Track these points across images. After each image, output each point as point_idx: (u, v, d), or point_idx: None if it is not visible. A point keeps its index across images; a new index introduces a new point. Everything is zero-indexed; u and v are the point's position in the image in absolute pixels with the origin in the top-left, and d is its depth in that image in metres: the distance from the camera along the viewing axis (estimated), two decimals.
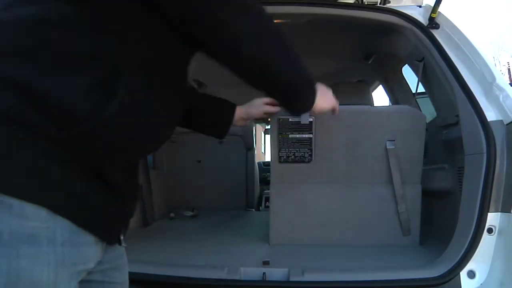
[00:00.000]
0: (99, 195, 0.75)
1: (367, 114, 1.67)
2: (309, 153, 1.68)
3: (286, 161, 1.68)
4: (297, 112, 1.10)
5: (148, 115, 0.79)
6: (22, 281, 0.67)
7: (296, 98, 1.02)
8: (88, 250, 0.75)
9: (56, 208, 0.69)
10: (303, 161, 1.68)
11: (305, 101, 1.04)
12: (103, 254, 0.80)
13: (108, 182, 0.76)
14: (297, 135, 1.67)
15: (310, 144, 1.67)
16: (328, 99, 1.24)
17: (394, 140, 1.65)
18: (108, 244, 0.82)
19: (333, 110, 1.30)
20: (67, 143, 0.69)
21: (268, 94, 1.02)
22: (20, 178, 0.66)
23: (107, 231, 0.79)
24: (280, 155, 1.68)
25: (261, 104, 1.41)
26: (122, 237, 0.86)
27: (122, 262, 0.92)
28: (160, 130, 0.85)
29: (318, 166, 1.68)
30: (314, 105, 1.07)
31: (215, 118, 1.27)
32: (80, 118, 0.69)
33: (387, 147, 1.65)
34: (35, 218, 0.67)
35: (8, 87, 0.67)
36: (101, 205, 0.76)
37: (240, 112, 1.34)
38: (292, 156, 1.69)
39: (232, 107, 1.30)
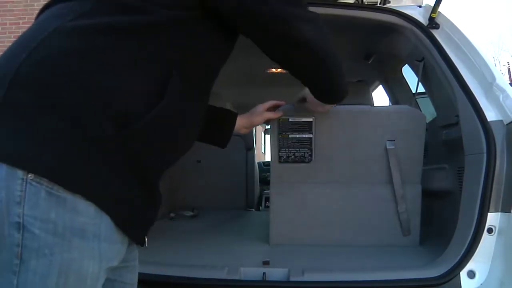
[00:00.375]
0: (138, 197, 0.80)
1: (367, 114, 1.68)
2: (309, 153, 1.68)
3: (286, 161, 1.68)
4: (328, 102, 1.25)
5: (185, 118, 0.86)
6: (72, 272, 0.70)
7: (335, 98, 1.18)
8: (120, 248, 0.80)
9: (104, 205, 0.73)
10: (303, 161, 1.68)
11: (338, 99, 1.18)
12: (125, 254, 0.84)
13: (147, 185, 0.82)
14: (297, 135, 1.67)
15: (310, 144, 1.67)
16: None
17: (394, 140, 1.65)
18: (138, 244, 0.87)
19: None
20: (119, 143, 0.74)
21: (313, 86, 1.13)
22: (77, 175, 0.71)
23: (139, 232, 0.85)
24: (280, 155, 1.68)
25: (262, 111, 1.46)
26: (146, 239, 0.90)
27: (135, 264, 0.96)
28: (193, 133, 0.93)
29: (318, 166, 1.68)
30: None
31: (216, 128, 1.29)
32: (132, 118, 0.74)
33: (387, 147, 1.64)
34: (85, 213, 0.71)
35: (73, 86, 0.72)
36: (139, 206, 0.81)
37: (241, 121, 1.39)
38: (292, 156, 1.68)
39: (233, 117, 1.33)
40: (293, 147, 1.68)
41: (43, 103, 0.71)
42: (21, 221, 0.67)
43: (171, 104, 0.79)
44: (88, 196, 0.71)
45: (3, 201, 0.67)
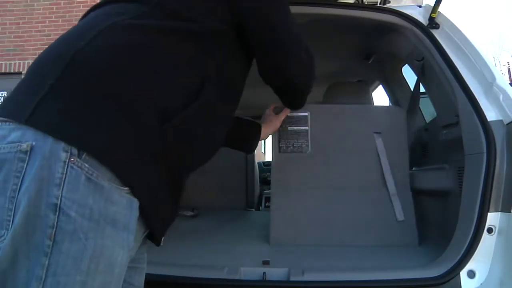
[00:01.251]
0: (168, 192, 0.84)
1: (355, 110, 1.91)
2: (306, 143, 1.84)
3: (285, 151, 1.83)
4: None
5: (216, 119, 0.95)
6: (103, 258, 0.72)
7: (302, 103, 1.36)
8: (136, 244, 0.82)
9: (140, 197, 0.76)
10: (301, 151, 1.83)
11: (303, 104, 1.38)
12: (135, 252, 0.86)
13: (176, 181, 0.86)
14: (295, 128, 1.85)
15: (307, 135, 1.84)
16: None
17: (380, 133, 1.85)
18: (155, 242, 0.89)
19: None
20: (160, 136, 0.78)
21: (285, 97, 1.30)
22: (121, 162, 0.74)
23: (162, 227, 0.87)
24: (280, 145, 1.83)
25: (275, 115, 1.67)
26: (163, 238, 0.92)
27: (144, 267, 0.97)
28: (220, 135, 1.01)
29: (315, 157, 1.82)
30: None
31: (245, 137, 1.47)
32: (172, 114, 0.80)
33: (375, 138, 1.84)
34: (118, 203, 0.73)
35: (126, 77, 0.77)
36: (167, 201, 0.85)
37: (266, 129, 1.58)
38: (291, 147, 1.85)
39: (258, 127, 1.51)
40: (292, 138, 1.85)
41: (95, 88, 0.75)
42: (58, 203, 0.68)
43: (204, 105, 0.86)
44: (127, 184, 0.74)
45: (44, 180, 0.68)
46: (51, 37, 6.49)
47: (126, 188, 0.74)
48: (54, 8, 6.56)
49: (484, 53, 1.47)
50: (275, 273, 1.23)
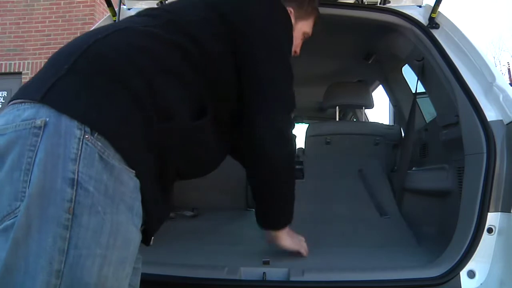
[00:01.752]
0: (160, 191, 0.88)
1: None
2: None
3: None
4: (264, 224, 1.28)
5: (216, 138, 1.02)
6: (120, 233, 0.75)
7: (274, 213, 1.25)
8: None
9: (141, 183, 0.80)
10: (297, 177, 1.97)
11: (277, 222, 1.27)
12: None
13: (166, 184, 0.91)
14: None
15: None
16: (296, 242, 1.36)
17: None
18: (146, 241, 0.92)
19: (299, 252, 1.39)
20: (161, 134, 0.84)
21: (257, 194, 1.23)
22: (129, 144, 0.78)
23: (155, 224, 0.90)
24: None
25: None
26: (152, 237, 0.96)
27: (139, 267, 0.99)
28: (215, 155, 1.09)
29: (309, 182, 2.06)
30: (283, 240, 1.30)
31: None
32: (175, 119, 0.87)
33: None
34: (126, 185, 0.77)
35: (139, 73, 0.84)
36: (159, 198, 0.88)
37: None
38: None
39: None
40: None
41: (106, 75, 0.80)
42: (75, 177, 0.70)
43: (208, 123, 0.95)
44: (133, 167, 0.78)
45: (60, 155, 0.70)
46: (51, 37, 6.49)
47: (133, 171, 0.78)
48: (54, 8, 6.55)
49: (484, 53, 1.47)
50: (275, 273, 1.23)
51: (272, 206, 1.22)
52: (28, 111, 0.74)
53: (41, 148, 0.70)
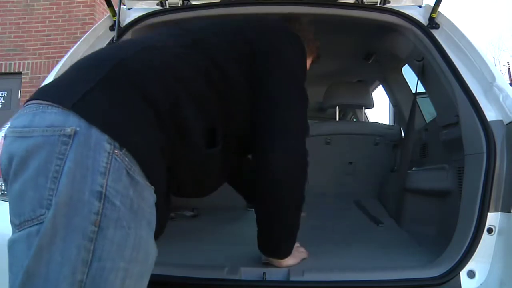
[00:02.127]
0: (167, 208, 0.93)
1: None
2: None
3: None
4: (272, 254, 1.24)
5: (221, 166, 1.04)
6: (142, 248, 0.77)
7: (284, 243, 1.22)
8: None
9: (157, 199, 0.81)
10: None
11: (286, 251, 1.24)
12: None
13: (169, 199, 0.95)
14: None
15: None
16: (297, 255, 1.32)
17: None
18: None
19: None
20: (175, 155, 0.87)
21: (266, 223, 1.19)
22: (153, 164, 0.81)
23: (158, 235, 0.91)
24: None
25: None
26: None
27: None
28: (220, 178, 1.14)
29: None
30: (286, 262, 1.25)
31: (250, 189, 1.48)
32: (191, 144, 0.90)
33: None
34: (147, 201, 0.78)
35: (165, 90, 0.86)
36: (166, 215, 0.93)
37: None
38: None
39: None
40: None
41: (137, 93, 0.81)
42: (103, 191, 0.71)
43: (216, 153, 0.97)
44: (154, 185, 0.80)
45: (89, 167, 0.71)
46: (51, 37, 6.49)
47: (153, 187, 0.79)
48: (54, 8, 6.55)
49: (484, 53, 1.47)
50: (275, 273, 1.23)
51: (283, 236, 1.20)
52: (55, 116, 0.74)
53: (70, 158, 0.71)
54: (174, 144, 0.86)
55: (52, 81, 0.87)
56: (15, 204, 0.73)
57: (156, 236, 0.91)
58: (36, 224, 0.69)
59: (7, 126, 1.35)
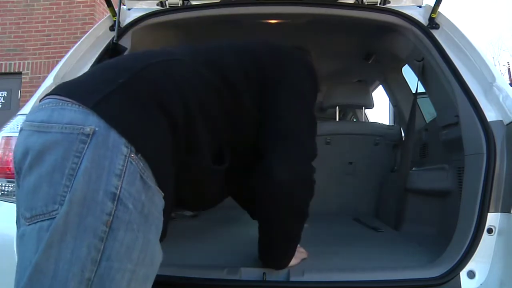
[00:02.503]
0: (170, 216, 0.93)
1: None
2: None
3: None
4: (274, 266, 1.24)
5: (224, 183, 1.07)
6: (149, 252, 0.78)
7: (287, 256, 1.23)
8: None
9: (165, 205, 0.83)
10: None
11: (287, 262, 1.24)
12: None
13: (172, 209, 0.94)
14: None
15: None
16: (297, 256, 1.31)
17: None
18: None
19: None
20: (183, 167, 0.89)
21: (267, 237, 1.21)
22: (165, 171, 0.83)
23: (161, 239, 0.91)
24: None
25: None
26: None
27: None
28: (221, 195, 1.17)
29: None
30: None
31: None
32: (199, 158, 0.93)
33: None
34: (157, 206, 0.79)
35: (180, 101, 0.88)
36: (168, 222, 0.91)
37: None
38: None
39: None
40: None
41: (156, 100, 0.82)
42: (117, 192, 0.72)
43: (221, 171, 1.00)
44: (163, 190, 0.81)
45: (106, 168, 0.72)
46: (51, 37, 6.49)
47: (163, 194, 0.81)
48: (54, 8, 6.55)
49: (484, 53, 1.47)
50: (275, 273, 1.23)
51: (286, 250, 1.22)
52: (75, 114, 0.75)
53: (88, 157, 0.71)
54: (183, 156, 0.88)
55: (73, 79, 0.89)
56: (28, 197, 0.73)
57: (160, 241, 0.92)
58: (48, 219, 0.70)
59: (12, 123, 1.35)
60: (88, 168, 0.71)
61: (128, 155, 0.74)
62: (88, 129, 0.73)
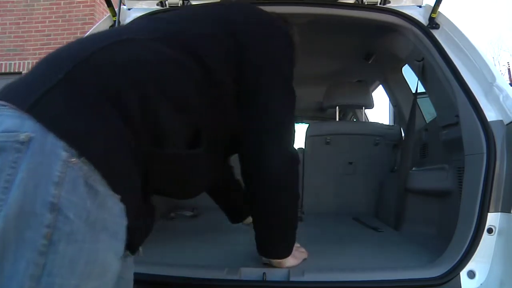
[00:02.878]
0: (147, 212, 0.87)
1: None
2: None
3: None
4: (273, 256, 1.23)
5: (207, 167, 0.98)
6: (98, 263, 0.71)
7: (285, 243, 1.20)
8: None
9: (126, 207, 0.75)
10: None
11: (287, 251, 1.22)
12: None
13: (149, 203, 0.89)
14: None
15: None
16: (297, 256, 1.31)
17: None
18: (132, 252, 0.88)
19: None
20: (150, 159, 0.81)
21: (260, 224, 1.19)
22: (116, 170, 0.74)
23: (140, 238, 0.88)
24: None
25: None
26: (141, 249, 0.92)
27: (130, 277, 0.97)
28: (208, 180, 1.07)
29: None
30: (287, 263, 1.25)
31: (236, 207, 1.56)
32: (168, 146, 0.84)
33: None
34: (111, 210, 0.73)
35: (134, 90, 0.79)
36: (143, 221, 0.86)
37: None
38: None
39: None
40: None
41: (101, 93, 0.75)
42: (56, 202, 0.66)
43: (200, 154, 0.91)
44: (119, 194, 0.73)
45: (43, 177, 0.66)
46: (51, 37, 6.49)
47: (118, 196, 0.73)
48: (54, 8, 6.56)
49: (484, 53, 1.47)
50: (275, 273, 1.23)
51: (282, 235, 1.19)
52: (11, 120, 0.68)
53: (24, 167, 0.65)
54: (148, 147, 0.80)
55: (18, 78, 0.79)
56: None
57: (138, 244, 0.87)
58: None
59: None
60: (24, 178, 0.65)
61: (67, 159, 0.67)
62: (23, 136, 0.66)
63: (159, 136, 0.82)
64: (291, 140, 1.09)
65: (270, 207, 1.12)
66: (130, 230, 0.78)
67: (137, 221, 0.82)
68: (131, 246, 0.84)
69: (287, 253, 1.23)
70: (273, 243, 1.21)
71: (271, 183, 1.07)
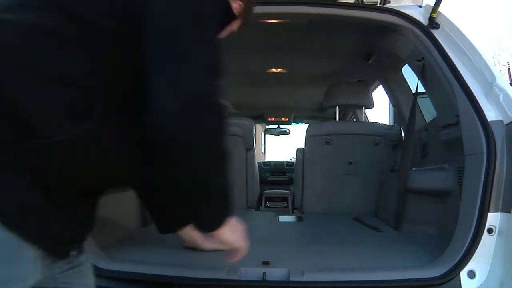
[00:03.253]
0: (42, 207, 0.70)
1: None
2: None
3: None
4: (203, 225, 0.96)
5: (117, 140, 0.76)
6: None
7: (208, 205, 0.91)
8: (33, 268, 0.70)
9: (8, 216, 0.64)
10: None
11: (214, 214, 0.93)
12: (49, 270, 0.75)
13: (55, 199, 0.71)
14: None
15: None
16: (238, 234, 1.04)
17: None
18: (59, 257, 0.76)
19: (236, 249, 1.04)
20: (28, 152, 0.66)
21: (175, 191, 0.92)
22: None
23: (54, 245, 0.73)
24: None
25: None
26: (74, 253, 0.82)
27: (87, 267, 0.88)
28: (114, 168, 0.79)
29: None
30: (221, 232, 0.95)
31: (169, 216, 1.34)
32: (45, 132, 0.67)
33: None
34: None
35: None
36: (44, 217, 0.70)
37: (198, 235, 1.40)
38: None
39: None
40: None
41: None
42: None
43: (96, 128, 0.71)
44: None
45: None
46: None
47: None
48: None
49: (484, 53, 1.47)
50: (275, 273, 1.23)
51: (201, 197, 0.90)
52: None
53: None
54: (23, 139, 0.66)
55: None
56: None
57: (66, 244, 0.77)
58: None
59: None
60: None
61: None
62: None
63: (31, 123, 0.66)
64: (205, 78, 0.76)
65: (185, 174, 0.84)
66: (44, 245, 0.69)
67: (49, 233, 0.70)
68: (53, 252, 0.73)
69: (214, 223, 0.94)
70: (195, 210, 0.93)
71: (178, 140, 0.76)
